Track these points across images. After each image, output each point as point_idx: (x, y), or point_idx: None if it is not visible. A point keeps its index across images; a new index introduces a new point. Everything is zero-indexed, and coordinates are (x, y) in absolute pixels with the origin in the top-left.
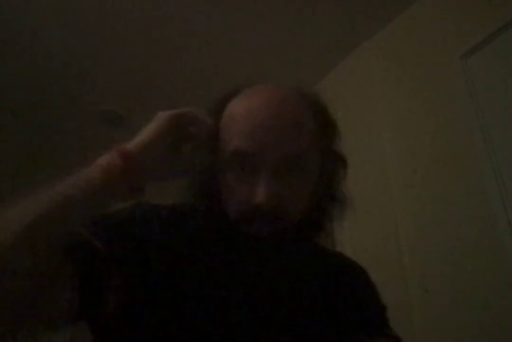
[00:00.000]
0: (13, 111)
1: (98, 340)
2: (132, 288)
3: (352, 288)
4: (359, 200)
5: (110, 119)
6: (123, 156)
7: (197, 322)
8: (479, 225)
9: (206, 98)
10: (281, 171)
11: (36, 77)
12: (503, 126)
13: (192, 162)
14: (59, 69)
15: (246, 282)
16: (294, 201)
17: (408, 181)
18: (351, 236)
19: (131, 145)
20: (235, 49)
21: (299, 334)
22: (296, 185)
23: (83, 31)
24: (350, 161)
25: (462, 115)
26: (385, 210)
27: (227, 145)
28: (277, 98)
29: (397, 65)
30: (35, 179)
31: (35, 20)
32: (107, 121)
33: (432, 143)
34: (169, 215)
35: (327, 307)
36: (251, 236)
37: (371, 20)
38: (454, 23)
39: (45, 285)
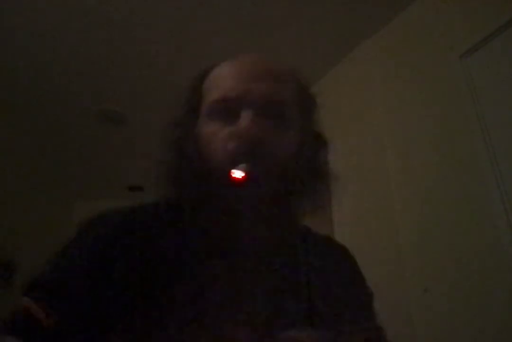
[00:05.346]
0: (13, 111)
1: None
2: None
3: (337, 273)
4: (358, 200)
5: (110, 119)
6: None
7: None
8: (479, 225)
9: None
10: (264, 112)
11: (36, 76)
12: (503, 126)
13: None
14: (59, 69)
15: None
16: (275, 147)
17: (407, 180)
18: (351, 236)
19: None
20: (235, 49)
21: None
22: (277, 133)
23: (83, 31)
24: (350, 160)
25: (462, 115)
26: (385, 210)
27: (211, 96)
28: (260, 58)
29: (397, 64)
30: (35, 179)
31: (35, 20)
32: (107, 121)
33: (431, 143)
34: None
35: (309, 289)
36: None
37: (371, 20)
38: (454, 22)
39: None
